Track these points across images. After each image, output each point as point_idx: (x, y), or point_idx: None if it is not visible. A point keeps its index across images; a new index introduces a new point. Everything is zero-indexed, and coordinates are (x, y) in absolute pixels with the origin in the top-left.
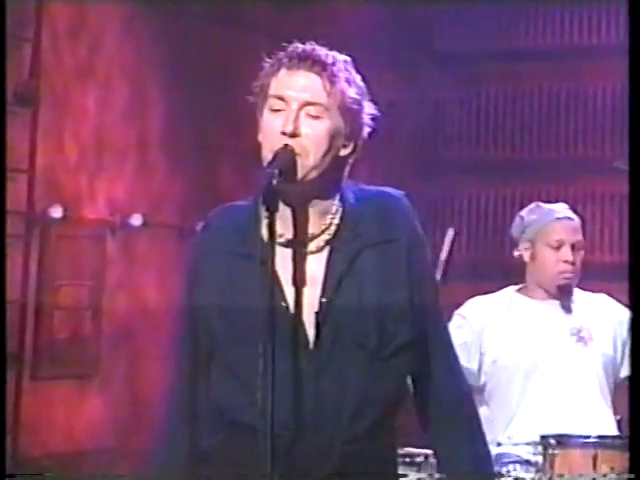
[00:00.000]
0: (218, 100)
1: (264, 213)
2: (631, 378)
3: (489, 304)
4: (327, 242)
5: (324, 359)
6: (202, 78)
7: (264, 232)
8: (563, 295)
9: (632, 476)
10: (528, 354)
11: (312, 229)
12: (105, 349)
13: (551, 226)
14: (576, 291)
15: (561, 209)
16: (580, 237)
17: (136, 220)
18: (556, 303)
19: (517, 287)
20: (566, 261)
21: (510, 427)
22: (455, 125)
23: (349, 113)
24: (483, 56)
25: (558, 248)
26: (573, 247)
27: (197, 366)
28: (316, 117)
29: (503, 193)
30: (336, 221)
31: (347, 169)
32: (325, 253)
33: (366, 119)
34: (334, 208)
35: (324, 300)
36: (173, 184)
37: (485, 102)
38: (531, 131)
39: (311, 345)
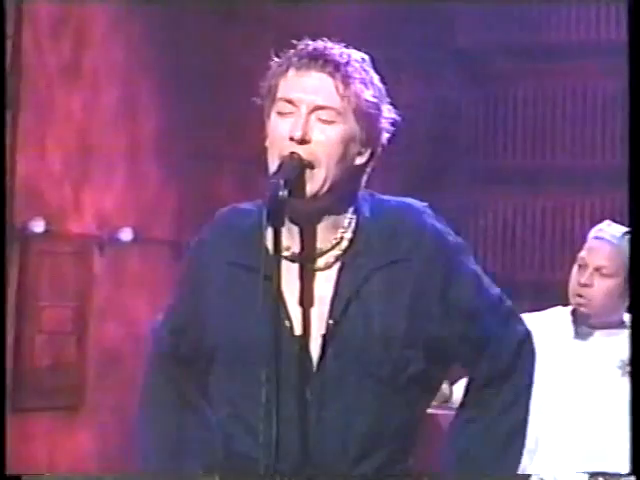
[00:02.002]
0: (217, 103)
1: (267, 225)
2: (631, 379)
3: (531, 323)
4: (337, 258)
5: (329, 388)
6: (199, 78)
7: (270, 243)
8: (583, 322)
9: (632, 477)
10: (564, 382)
11: (321, 244)
12: (92, 377)
13: (586, 245)
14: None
15: (607, 229)
16: (608, 263)
17: (126, 235)
18: (604, 332)
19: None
20: (579, 282)
21: (534, 461)
22: (480, 129)
23: (365, 118)
24: (508, 55)
25: (579, 267)
26: (597, 271)
27: (180, 387)
28: (328, 122)
29: (533, 205)
30: (348, 235)
31: (364, 179)
32: (335, 270)
33: (384, 124)
34: (346, 221)
35: (331, 322)
36: (167, 195)
37: (512, 104)
38: (563, 135)
39: (315, 371)
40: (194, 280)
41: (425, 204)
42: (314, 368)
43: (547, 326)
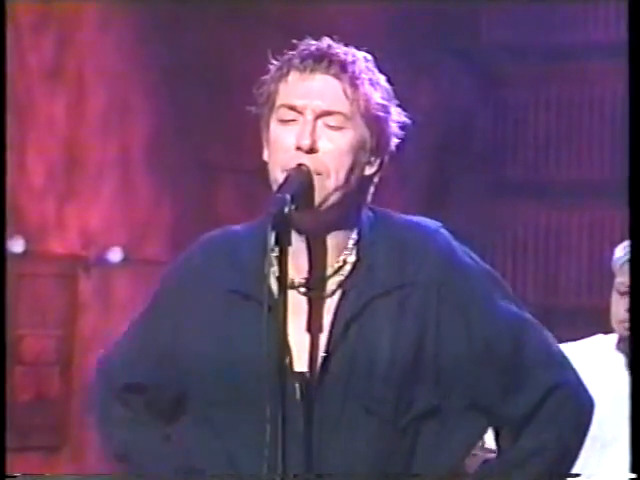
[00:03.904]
0: (216, 108)
1: (273, 246)
2: (632, 378)
3: (569, 354)
4: (339, 285)
5: (328, 427)
6: (196, 81)
7: (273, 269)
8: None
9: (633, 476)
10: (608, 422)
11: (323, 269)
12: (76, 414)
13: (623, 267)
14: None
15: None
16: None
17: (115, 255)
18: None
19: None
20: (627, 310)
21: None
22: (491, 137)
23: (375, 122)
24: (520, 58)
25: (624, 294)
26: None
27: (155, 422)
28: (337, 128)
29: (568, 220)
30: (351, 259)
31: (370, 191)
32: (336, 299)
33: (394, 128)
34: (351, 242)
35: (324, 355)
36: (160, 210)
37: (545, 106)
38: (602, 144)
39: (314, 410)
40: (177, 312)
41: (439, 223)
42: (314, 408)
43: (590, 356)
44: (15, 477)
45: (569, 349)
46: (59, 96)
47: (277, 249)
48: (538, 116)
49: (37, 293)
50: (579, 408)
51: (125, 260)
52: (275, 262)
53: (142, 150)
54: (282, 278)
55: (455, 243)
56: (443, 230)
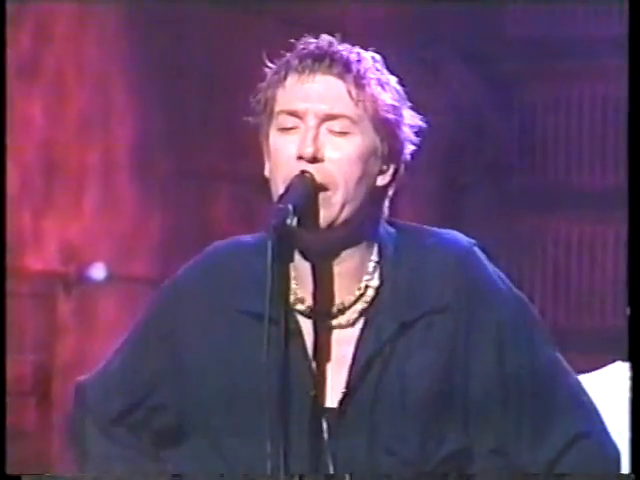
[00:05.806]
0: (211, 110)
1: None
2: (632, 377)
3: (589, 384)
4: (362, 313)
5: (349, 469)
6: (189, 79)
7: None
8: None
9: (633, 476)
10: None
11: (344, 296)
12: (56, 448)
13: None
14: None
15: None
16: None
17: (98, 272)
18: None
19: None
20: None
21: None
22: (505, 140)
23: (385, 126)
24: (554, 54)
25: None
26: None
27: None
28: (342, 134)
29: (603, 233)
30: (374, 283)
31: (385, 204)
32: (357, 329)
33: (407, 133)
34: (371, 265)
35: (344, 391)
36: (148, 223)
37: (577, 107)
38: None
39: (331, 449)
40: (178, 332)
41: (472, 241)
42: (330, 446)
43: (605, 386)
44: (15, 477)
45: (588, 380)
46: (36, 96)
47: (278, 269)
48: (568, 119)
49: (11, 314)
50: (604, 458)
51: (109, 278)
52: (292, 284)
53: (128, 156)
54: (286, 302)
55: (488, 265)
56: (476, 249)
